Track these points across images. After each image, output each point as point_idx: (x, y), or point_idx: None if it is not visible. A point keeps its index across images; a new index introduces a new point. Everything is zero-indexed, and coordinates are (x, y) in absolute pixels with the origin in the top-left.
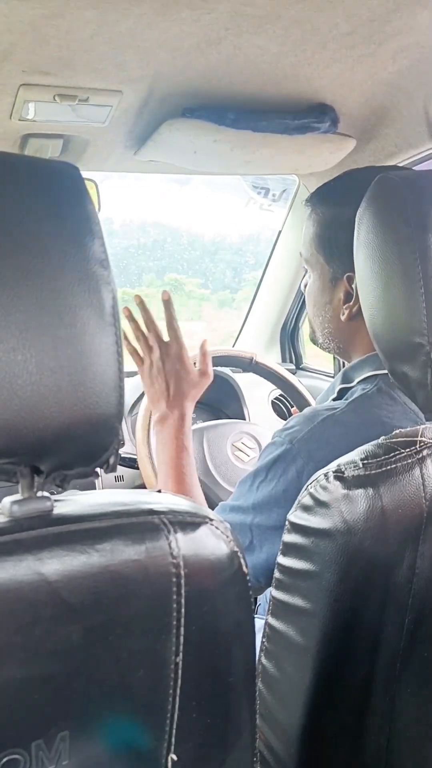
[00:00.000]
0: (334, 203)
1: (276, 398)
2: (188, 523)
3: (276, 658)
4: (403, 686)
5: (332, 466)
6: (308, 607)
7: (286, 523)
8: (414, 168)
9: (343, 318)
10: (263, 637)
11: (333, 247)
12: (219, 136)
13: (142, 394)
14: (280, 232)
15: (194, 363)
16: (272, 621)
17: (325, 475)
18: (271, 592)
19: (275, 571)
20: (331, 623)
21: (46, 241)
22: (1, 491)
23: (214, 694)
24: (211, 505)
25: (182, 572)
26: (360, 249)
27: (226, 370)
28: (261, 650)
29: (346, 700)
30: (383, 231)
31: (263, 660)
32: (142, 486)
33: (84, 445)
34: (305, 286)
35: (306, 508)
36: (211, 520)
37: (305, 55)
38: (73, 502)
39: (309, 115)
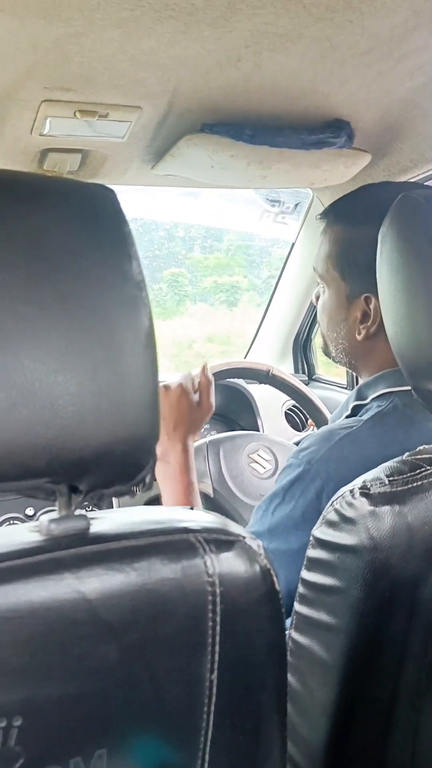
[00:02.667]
0: (352, 222)
1: (289, 409)
2: (222, 541)
3: (300, 674)
4: (428, 702)
5: (358, 482)
6: (333, 622)
7: (311, 538)
8: (428, 182)
9: (359, 337)
10: (287, 652)
11: (351, 266)
12: (236, 151)
13: None
14: (293, 244)
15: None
16: (296, 636)
17: (351, 491)
18: (295, 606)
19: (299, 586)
20: (356, 639)
21: (85, 264)
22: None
23: (247, 712)
24: (228, 516)
25: (217, 590)
26: (383, 267)
27: (240, 382)
28: (287, 666)
29: (370, 716)
30: (407, 250)
31: (287, 675)
32: (156, 498)
33: (121, 464)
34: (317, 298)
35: (331, 524)
36: (244, 538)
37: (323, 72)
38: (108, 520)
39: (325, 131)
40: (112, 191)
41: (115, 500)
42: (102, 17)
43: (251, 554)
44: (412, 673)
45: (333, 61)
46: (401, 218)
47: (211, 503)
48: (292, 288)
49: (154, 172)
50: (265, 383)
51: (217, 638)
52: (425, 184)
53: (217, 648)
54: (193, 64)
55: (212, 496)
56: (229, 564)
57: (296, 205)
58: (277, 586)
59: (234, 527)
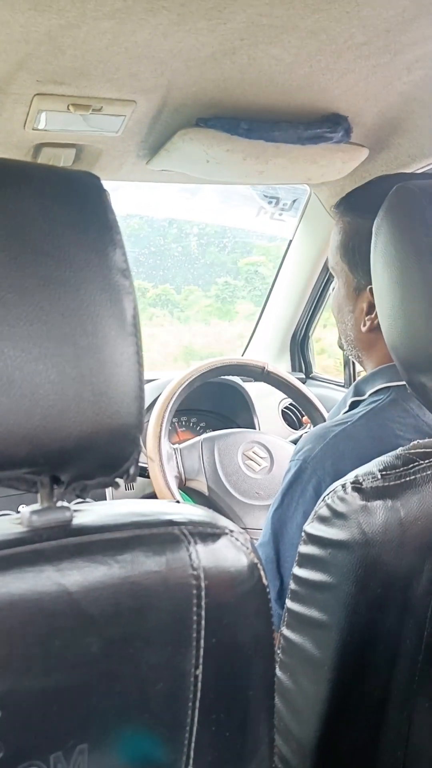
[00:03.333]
0: (360, 213)
1: (286, 407)
2: (208, 534)
3: (291, 671)
4: (421, 701)
5: (350, 477)
6: (324, 619)
7: (302, 534)
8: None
9: (363, 329)
10: (278, 649)
11: (357, 256)
12: (232, 145)
13: (153, 402)
14: (290, 241)
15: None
16: (287, 633)
17: (343, 486)
18: (287, 603)
19: (291, 582)
20: (347, 636)
21: (69, 250)
22: (5, 500)
23: (233, 708)
24: (223, 514)
25: (202, 584)
26: (378, 259)
27: (236, 380)
28: (276, 663)
29: (362, 714)
30: (401, 241)
31: (278, 673)
32: (152, 494)
33: (105, 455)
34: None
35: (323, 519)
36: (231, 531)
37: (320, 65)
38: (92, 512)
39: (322, 125)
40: (97, 178)
41: (109, 495)
42: (94, 8)
43: (238, 547)
44: (404, 670)
45: (329, 53)
46: (396, 209)
47: (206, 501)
48: (290, 285)
49: (149, 167)
50: (260, 380)
51: (202, 633)
52: None
53: (202, 642)
54: (187, 56)
55: (207, 494)
56: (215, 557)
57: (293, 201)
58: (264, 580)
59: (222, 520)
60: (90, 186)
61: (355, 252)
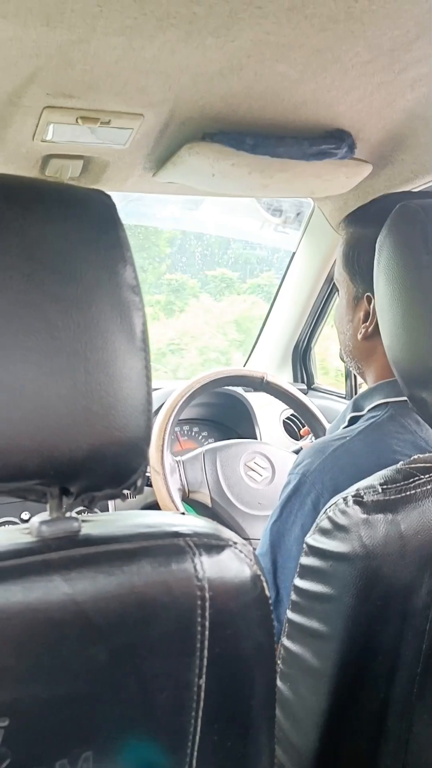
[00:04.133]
0: (362, 224)
1: (287, 418)
2: (213, 546)
3: (291, 681)
4: (420, 712)
5: (351, 490)
6: (325, 630)
7: (304, 545)
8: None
9: (359, 337)
10: (278, 659)
11: (356, 266)
12: (237, 160)
13: (157, 411)
14: (293, 253)
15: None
16: (288, 644)
17: (344, 499)
18: (288, 614)
19: (292, 593)
20: (347, 647)
21: (80, 267)
22: (8, 506)
23: (235, 717)
24: (226, 525)
25: (207, 595)
26: (380, 275)
27: (238, 390)
28: (276, 673)
29: (361, 724)
30: (404, 258)
31: (278, 683)
32: (154, 503)
33: (113, 467)
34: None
35: (324, 532)
36: (235, 543)
37: (325, 82)
38: (99, 523)
39: (326, 141)
40: (108, 196)
41: (111, 505)
42: (104, 24)
43: (241, 559)
44: (403, 682)
45: (335, 71)
46: (398, 227)
47: (209, 513)
48: (293, 297)
49: (155, 179)
50: (260, 390)
51: (206, 642)
52: None
53: (205, 653)
54: (195, 72)
55: (210, 505)
56: (219, 568)
57: (297, 214)
58: (266, 591)
59: (225, 532)
60: (100, 204)
61: (355, 261)
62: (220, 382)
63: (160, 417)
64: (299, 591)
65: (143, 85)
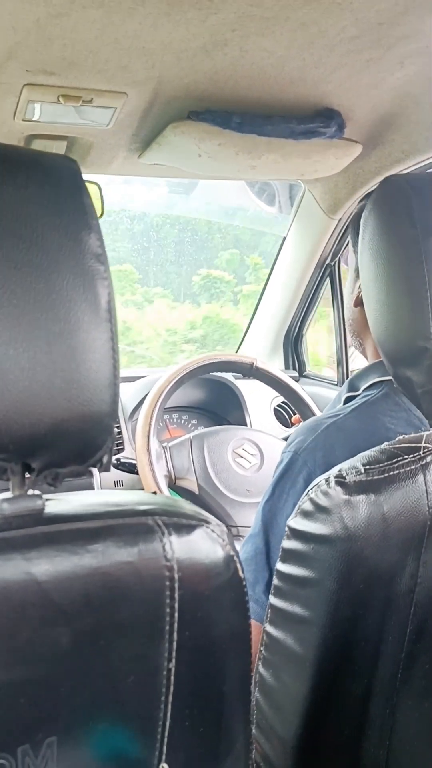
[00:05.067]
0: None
1: (278, 405)
2: (183, 525)
3: (274, 668)
4: (404, 698)
5: (333, 471)
6: (307, 615)
7: (286, 528)
8: None
9: (356, 309)
10: (261, 645)
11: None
12: (224, 139)
13: (143, 400)
14: (284, 238)
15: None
16: (270, 629)
17: (326, 480)
18: (270, 599)
19: (274, 578)
20: (330, 632)
21: (42, 233)
22: None
23: (208, 702)
24: (214, 513)
25: (176, 575)
26: (365, 251)
27: (228, 376)
28: (259, 659)
29: (344, 711)
30: (388, 233)
31: (261, 669)
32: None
33: (77, 442)
34: None
35: (306, 514)
36: (207, 522)
37: (312, 58)
38: (65, 501)
39: (315, 120)
40: (73, 161)
41: (97, 487)
42: None
43: (213, 539)
44: (387, 667)
45: (321, 47)
46: (384, 201)
47: (196, 500)
48: (284, 283)
49: (141, 161)
50: (249, 376)
51: (176, 625)
52: None
53: (175, 636)
54: (178, 48)
55: (197, 492)
56: (189, 549)
57: (288, 199)
58: (240, 573)
59: (198, 511)
60: (64, 169)
61: (357, 233)
62: (209, 368)
63: (146, 404)
64: (281, 575)
65: (125, 62)
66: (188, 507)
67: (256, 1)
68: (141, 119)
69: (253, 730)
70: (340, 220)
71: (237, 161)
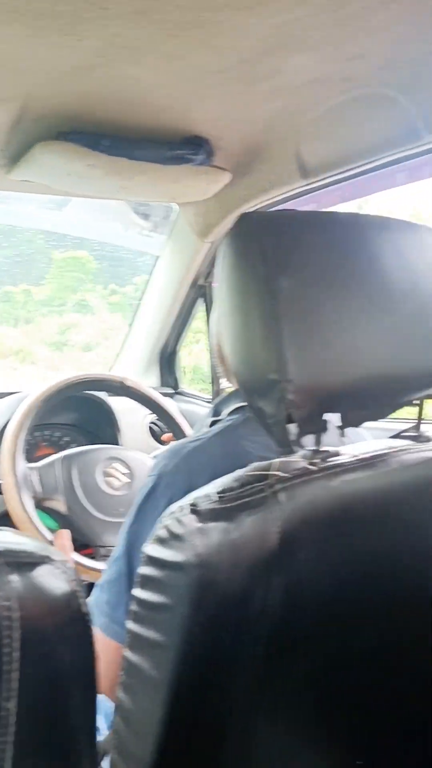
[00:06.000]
0: None
1: (153, 422)
2: (25, 563)
3: (132, 692)
4: (259, 718)
5: (188, 498)
6: (162, 640)
7: (142, 555)
8: (287, 204)
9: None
10: (121, 670)
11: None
12: (93, 160)
13: (11, 416)
14: (158, 257)
15: None
16: (128, 654)
17: (181, 507)
18: (128, 624)
19: (132, 603)
20: (184, 656)
21: None
22: None
23: (54, 738)
24: (83, 533)
25: (15, 615)
26: (222, 283)
27: (101, 394)
28: (119, 684)
29: (201, 733)
30: (242, 269)
31: (120, 694)
32: (6, 513)
33: None
34: None
35: (161, 541)
36: (51, 559)
37: (180, 88)
38: None
39: (184, 147)
40: None
41: None
42: None
43: (57, 576)
44: (241, 688)
45: (189, 78)
46: (239, 237)
47: (65, 520)
48: (158, 301)
49: (9, 177)
50: (120, 395)
51: (15, 665)
52: None
53: (14, 675)
54: (46, 69)
55: (66, 513)
56: (32, 586)
57: (165, 218)
58: (83, 608)
59: (44, 548)
60: None
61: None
62: (78, 386)
63: (12, 422)
64: (138, 601)
65: None
66: (31, 543)
67: (119, 31)
68: (8, 135)
69: (114, 756)
70: (212, 243)
71: (107, 182)
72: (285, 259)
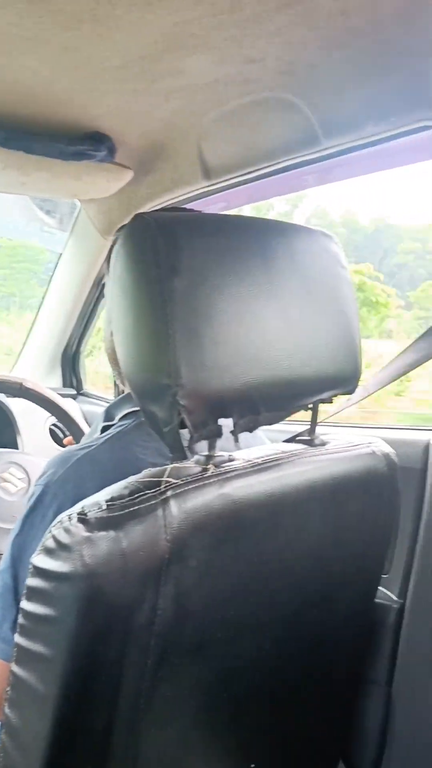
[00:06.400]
0: None
1: (54, 425)
2: None
3: (18, 707)
4: (147, 727)
5: (77, 507)
6: (49, 653)
7: (30, 566)
8: (189, 204)
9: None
10: (8, 686)
11: None
12: None
13: None
14: (60, 254)
15: None
16: (15, 668)
17: (69, 516)
18: (15, 638)
19: (19, 616)
20: (70, 669)
21: None
22: None
23: None
24: None
25: None
26: (114, 286)
27: (1, 396)
28: (5, 700)
29: (87, 745)
30: (135, 270)
31: (6, 710)
32: None
33: None
34: None
35: (49, 552)
36: None
37: (79, 82)
38: None
39: (85, 143)
40: None
41: None
42: None
43: None
44: (128, 699)
45: (88, 72)
46: (132, 238)
47: None
48: (60, 300)
49: None
50: (18, 397)
51: None
52: None
53: None
54: None
55: None
56: None
57: (71, 214)
58: None
59: None
60: None
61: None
62: None
63: None
64: (25, 613)
65: None
66: None
67: (13, 20)
68: None
69: None
70: (115, 240)
71: (5, 175)
72: (178, 261)
